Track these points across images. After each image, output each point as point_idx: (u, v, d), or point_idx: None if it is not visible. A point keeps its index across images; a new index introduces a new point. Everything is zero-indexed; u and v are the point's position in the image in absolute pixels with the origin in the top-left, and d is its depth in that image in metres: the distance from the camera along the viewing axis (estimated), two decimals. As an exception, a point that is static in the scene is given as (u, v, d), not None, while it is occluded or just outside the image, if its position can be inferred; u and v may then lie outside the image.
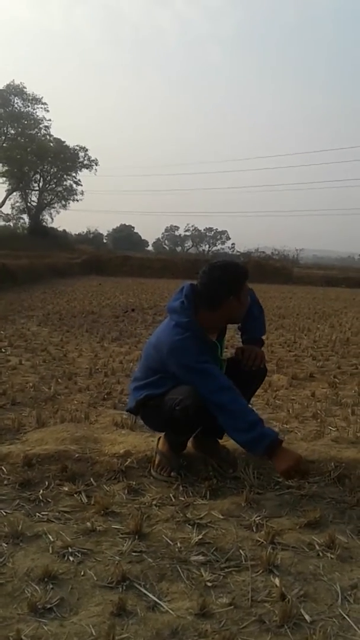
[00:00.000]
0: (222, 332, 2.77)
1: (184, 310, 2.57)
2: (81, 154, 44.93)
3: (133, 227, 70.66)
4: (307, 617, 1.60)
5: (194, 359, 2.47)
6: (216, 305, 2.58)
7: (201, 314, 2.60)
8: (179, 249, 70.14)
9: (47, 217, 46.25)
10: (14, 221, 46.71)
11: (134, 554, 1.91)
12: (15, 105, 42.62)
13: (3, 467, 2.56)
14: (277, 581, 1.76)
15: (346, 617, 1.61)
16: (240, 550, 1.95)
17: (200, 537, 2.02)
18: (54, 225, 46.22)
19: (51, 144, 43.49)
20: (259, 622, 1.57)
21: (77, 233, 52.92)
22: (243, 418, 2.42)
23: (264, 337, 2.89)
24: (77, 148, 44.83)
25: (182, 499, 2.37)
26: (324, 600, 1.70)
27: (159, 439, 2.74)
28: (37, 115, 43.87)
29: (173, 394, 2.48)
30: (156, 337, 2.67)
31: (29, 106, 43.26)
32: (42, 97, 43.40)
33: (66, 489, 2.40)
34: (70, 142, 45.06)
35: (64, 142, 44.35)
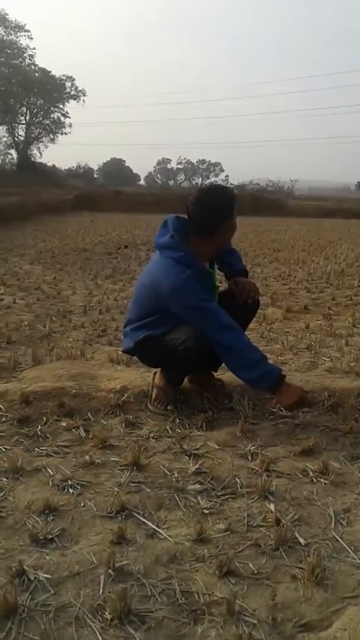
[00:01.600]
0: (212, 262, 2.75)
1: (177, 244, 2.53)
2: (68, 84, 43.35)
3: (124, 161, 69.12)
4: (301, 540, 1.65)
5: (196, 297, 2.46)
6: (213, 231, 2.54)
7: (193, 244, 2.56)
8: (171, 182, 68.89)
9: (35, 152, 45.08)
10: (2, 157, 45.53)
11: (132, 484, 1.95)
12: (-2, 34, 40.66)
13: (0, 405, 2.58)
14: (272, 507, 1.80)
15: (339, 539, 1.66)
16: (236, 479, 1.99)
17: (196, 466, 2.06)
18: (43, 160, 45.16)
19: (36, 74, 41.85)
20: (255, 546, 1.62)
21: (67, 168, 51.81)
22: (247, 356, 2.44)
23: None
24: (64, 78, 43.22)
25: (179, 430, 2.40)
26: (318, 524, 1.75)
27: (154, 373, 2.76)
28: (21, 44, 41.94)
29: (175, 333, 2.48)
30: (150, 276, 2.62)
31: (11, 34, 41.26)
32: (25, 24, 41.37)
33: (64, 424, 2.43)
34: (57, 72, 43.30)
35: (50, 71, 42.64)
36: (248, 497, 1.87)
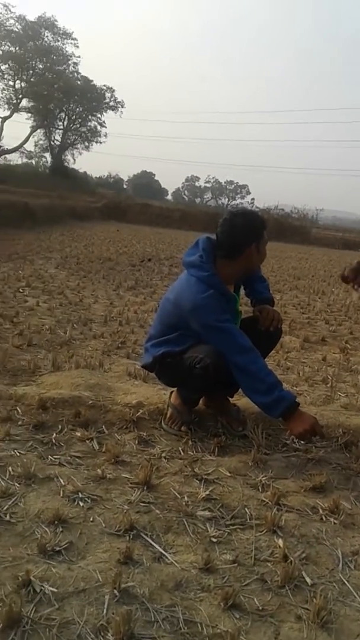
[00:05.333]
0: (238, 286, 2.76)
1: (204, 264, 2.56)
2: (108, 94, 43.86)
3: (154, 175, 69.77)
4: (308, 579, 1.64)
5: (215, 317, 2.47)
6: (237, 254, 2.56)
7: (219, 265, 2.58)
8: (198, 200, 69.33)
9: (69, 157, 45.62)
10: (36, 159, 46.16)
11: (142, 504, 1.95)
12: (45, 39, 41.37)
13: (18, 408, 2.60)
14: (280, 542, 1.79)
15: (346, 582, 1.65)
16: (246, 509, 1.99)
17: (207, 492, 2.05)
18: (75, 166, 45.69)
19: (78, 82, 42.47)
20: (260, 580, 1.61)
21: (97, 176, 52.42)
22: (262, 380, 2.43)
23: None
24: (105, 88, 43.72)
25: (191, 453, 2.40)
26: (325, 564, 1.73)
27: (171, 392, 2.76)
28: (67, 51, 42.65)
29: (194, 352, 2.49)
30: (175, 293, 2.64)
31: (58, 40, 41.99)
32: (72, 32, 42.09)
33: (79, 434, 2.44)
34: (98, 82, 43.93)
35: (92, 80, 43.25)
36: (257, 530, 1.86)
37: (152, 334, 2.74)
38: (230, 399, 2.82)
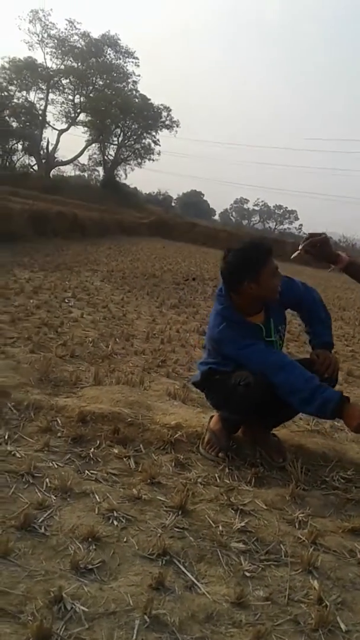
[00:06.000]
0: (275, 313, 2.70)
1: (220, 297, 2.65)
2: (164, 113, 44.66)
3: (203, 195, 70.28)
4: (342, 625, 1.58)
5: (236, 347, 2.52)
6: (236, 288, 2.59)
7: (233, 298, 2.62)
8: (245, 222, 69.43)
9: (121, 172, 46.50)
10: (89, 172, 47.20)
11: (176, 529, 1.92)
12: (107, 57, 42.52)
13: (58, 419, 2.62)
14: (315, 584, 1.74)
15: (382, 633, 1.58)
16: (281, 545, 1.94)
17: (242, 524, 2.01)
18: (127, 181, 46.50)
19: (136, 100, 43.41)
20: (293, 622, 1.56)
21: (147, 192, 53.16)
22: (302, 389, 2.40)
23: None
24: (161, 107, 44.58)
25: (227, 481, 2.37)
26: (361, 612, 1.67)
27: (211, 417, 2.74)
28: (127, 69, 43.71)
29: (241, 371, 2.50)
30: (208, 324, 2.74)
31: (120, 59, 43.16)
32: (134, 52, 43.16)
33: (116, 451, 2.44)
34: (155, 101, 44.77)
35: (149, 99, 44.14)
36: (292, 568, 1.82)
37: (204, 357, 2.79)
38: (270, 430, 2.77)
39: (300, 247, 2.60)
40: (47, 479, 2.09)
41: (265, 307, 2.67)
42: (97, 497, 2.04)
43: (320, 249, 2.59)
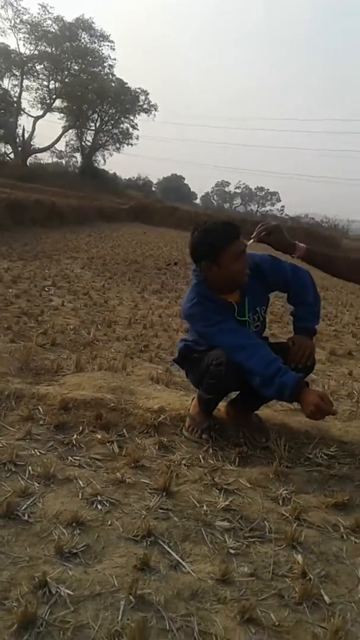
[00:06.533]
0: (253, 293, 2.63)
1: (195, 272, 2.64)
2: (142, 97, 44.20)
3: (184, 178, 69.89)
4: (326, 598, 1.60)
5: (203, 324, 2.54)
6: (201, 269, 2.57)
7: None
8: (227, 205, 69.27)
9: (99, 158, 46.06)
10: (67, 159, 46.70)
11: (160, 510, 1.93)
12: (82, 41, 41.88)
13: (40, 407, 2.61)
14: (299, 558, 1.76)
15: (365, 603, 1.61)
16: (265, 522, 1.96)
17: (226, 503, 2.03)
18: (105, 167, 46.08)
19: (113, 84, 42.90)
20: (278, 596, 1.58)
21: (127, 178, 52.78)
22: (261, 374, 2.39)
23: (317, 326, 2.75)
24: (139, 91, 44.09)
25: (211, 462, 2.38)
26: (345, 584, 1.69)
27: (192, 399, 2.75)
28: (103, 53, 43.13)
29: (216, 350, 2.49)
30: None
31: (95, 42, 42.50)
32: (109, 35, 42.55)
33: (99, 436, 2.44)
34: (132, 84, 44.28)
35: (126, 83, 43.65)
36: (276, 544, 1.83)
37: (185, 335, 2.83)
38: (252, 411, 2.79)
39: (253, 236, 2.63)
40: (30, 467, 2.09)
41: (241, 287, 2.62)
42: (80, 482, 2.04)
43: (275, 238, 2.60)
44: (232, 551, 1.76)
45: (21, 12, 39.92)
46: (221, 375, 2.44)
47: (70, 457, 2.23)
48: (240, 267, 2.52)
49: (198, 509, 1.97)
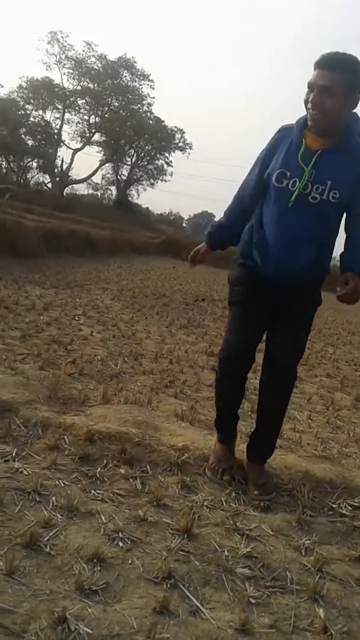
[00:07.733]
0: (331, 168, 2.25)
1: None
2: (178, 135, 45.25)
3: (214, 216, 70.53)
4: (348, 657, 1.56)
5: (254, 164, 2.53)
6: None
7: None
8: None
9: (133, 192, 47.02)
10: (102, 191, 47.76)
11: (181, 552, 1.91)
12: (123, 79, 43.26)
13: (66, 437, 2.62)
14: (321, 612, 1.72)
15: (388, 666, 1.56)
16: (287, 572, 1.92)
17: (248, 549, 2.00)
18: (139, 201, 46.99)
19: (150, 122, 44.03)
20: (298, 651, 1.55)
21: (159, 213, 53.55)
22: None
23: None
24: (175, 129, 45.22)
25: (234, 505, 2.36)
26: (367, 643, 1.65)
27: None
28: (142, 91, 44.46)
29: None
30: None
31: (135, 81, 43.88)
32: (150, 74, 43.90)
33: (123, 471, 2.44)
34: (169, 123, 45.43)
35: (163, 121, 44.78)
36: (297, 595, 1.80)
37: None
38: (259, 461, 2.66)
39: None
40: (54, 498, 2.09)
41: (327, 153, 2.25)
42: (102, 517, 2.03)
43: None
44: (252, 600, 1.73)
45: (67, 48, 41.59)
46: (223, 370, 2.58)
47: (93, 491, 2.23)
48: (307, 99, 2.23)
49: (219, 553, 1.95)
